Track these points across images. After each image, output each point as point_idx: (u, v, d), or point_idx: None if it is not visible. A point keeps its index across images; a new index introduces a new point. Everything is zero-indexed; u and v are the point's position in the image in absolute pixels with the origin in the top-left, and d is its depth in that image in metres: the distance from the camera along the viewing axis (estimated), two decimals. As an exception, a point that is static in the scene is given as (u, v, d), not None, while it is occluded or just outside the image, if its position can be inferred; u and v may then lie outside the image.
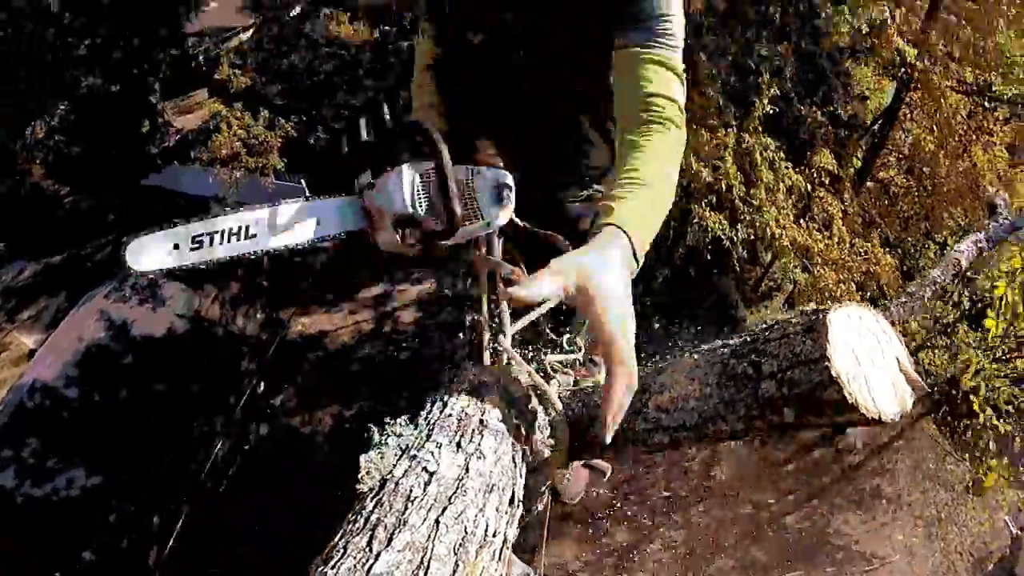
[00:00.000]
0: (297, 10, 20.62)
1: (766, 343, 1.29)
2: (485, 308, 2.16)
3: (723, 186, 10.60)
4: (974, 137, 13.13)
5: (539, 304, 2.00)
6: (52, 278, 19.56)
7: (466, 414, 1.49)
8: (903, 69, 13.29)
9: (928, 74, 12.18)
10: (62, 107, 18.20)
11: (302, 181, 23.31)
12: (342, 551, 1.03)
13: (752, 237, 11.20)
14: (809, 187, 11.90)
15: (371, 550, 1.01)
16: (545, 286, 1.29)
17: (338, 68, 22.99)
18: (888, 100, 15.26)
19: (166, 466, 15.64)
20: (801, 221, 12.18)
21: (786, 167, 10.56)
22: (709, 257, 14.19)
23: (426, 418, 1.52)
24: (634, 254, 1.41)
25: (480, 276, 2.14)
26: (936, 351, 16.05)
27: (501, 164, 2.01)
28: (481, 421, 1.47)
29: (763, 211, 10.15)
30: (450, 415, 1.48)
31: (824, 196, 12.53)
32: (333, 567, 0.99)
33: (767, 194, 10.26)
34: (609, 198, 1.52)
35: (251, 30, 23.04)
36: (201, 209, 18.30)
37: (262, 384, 19.56)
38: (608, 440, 1.40)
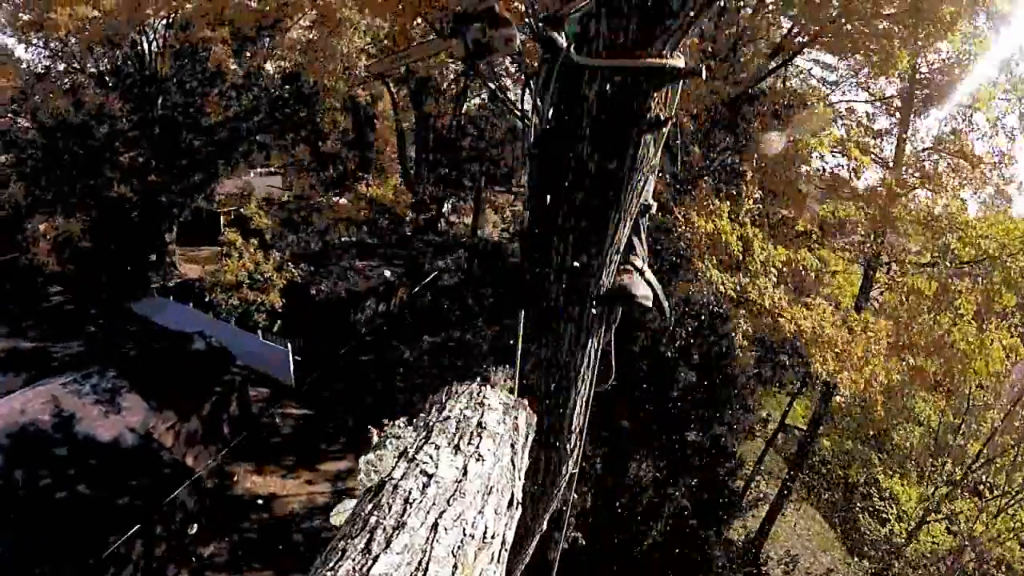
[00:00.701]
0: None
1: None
2: None
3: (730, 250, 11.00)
4: (942, 309, 14.26)
5: None
6: (16, 362, 18.38)
7: (464, 416, 1.53)
8: (869, 246, 15.05)
9: (893, 251, 13.80)
10: (89, 200, 19.05)
11: (288, 345, 23.47)
12: (340, 553, 1.01)
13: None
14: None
15: (370, 552, 1.00)
16: None
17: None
18: (859, 284, 16.78)
19: (62, 572, 12.90)
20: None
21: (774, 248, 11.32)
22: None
23: (424, 420, 1.54)
24: None
25: None
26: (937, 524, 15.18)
27: None
28: (479, 423, 1.49)
29: (758, 278, 10.55)
30: (448, 417, 1.51)
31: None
32: (332, 569, 0.97)
33: (761, 266, 10.78)
34: None
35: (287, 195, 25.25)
36: (180, 339, 18.26)
37: (195, 527, 17.11)
38: None
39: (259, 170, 28.72)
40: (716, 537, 13.68)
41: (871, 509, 17.68)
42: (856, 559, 17.00)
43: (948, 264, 14.44)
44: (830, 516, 20.24)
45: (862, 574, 16.49)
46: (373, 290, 25.73)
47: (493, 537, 1.13)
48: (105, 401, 16.81)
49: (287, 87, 22.72)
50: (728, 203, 10.55)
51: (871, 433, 18.65)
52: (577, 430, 3.16)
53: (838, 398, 18.75)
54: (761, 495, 20.68)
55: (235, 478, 20.16)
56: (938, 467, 16.45)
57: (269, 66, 22.93)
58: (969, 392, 15.98)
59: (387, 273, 24.83)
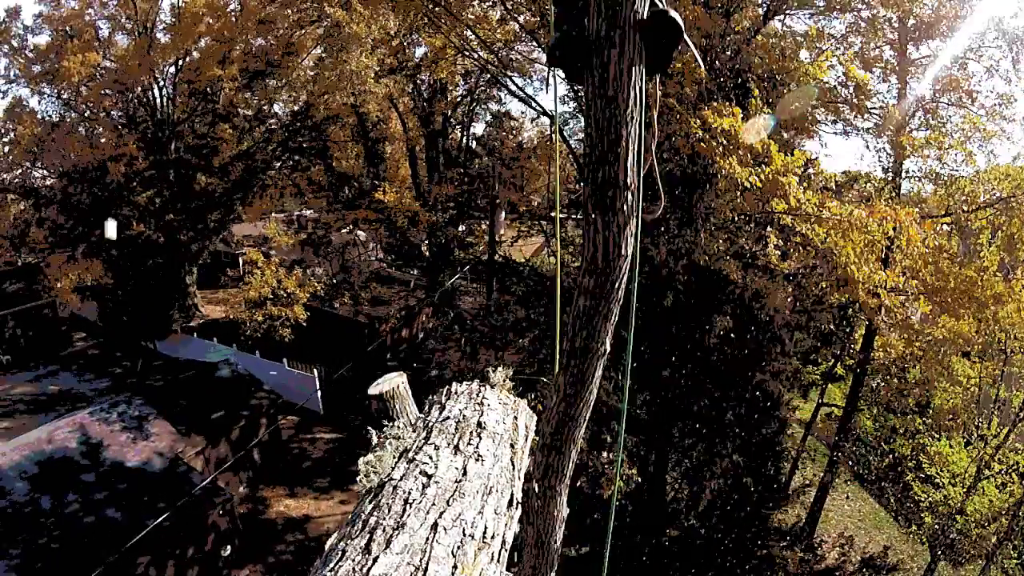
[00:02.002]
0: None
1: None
2: None
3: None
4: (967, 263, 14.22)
5: None
6: (44, 403, 18.38)
7: (464, 416, 1.53)
8: (885, 200, 15.14)
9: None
10: (108, 240, 19.29)
11: (315, 371, 23.46)
12: (340, 554, 1.00)
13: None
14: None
15: (370, 552, 0.99)
16: None
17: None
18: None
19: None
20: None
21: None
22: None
23: (424, 420, 1.55)
24: None
25: None
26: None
27: None
28: (479, 423, 1.50)
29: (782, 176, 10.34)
30: (448, 418, 1.51)
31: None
32: (332, 570, 0.97)
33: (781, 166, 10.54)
34: None
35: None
36: (204, 368, 18.32)
37: (228, 548, 16.61)
38: None
39: (273, 215, 29.32)
40: (769, 501, 13.18)
41: (922, 477, 17.16)
42: (914, 527, 16.34)
43: (964, 208, 14.45)
44: (879, 494, 19.57)
45: (922, 540, 15.82)
46: (395, 314, 25.87)
47: (493, 537, 1.13)
48: (133, 428, 16.73)
49: (298, 123, 23.43)
50: (741, 110, 10.54)
51: (911, 402, 18.25)
52: (633, 186, 3.14)
53: (875, 378, 18.39)
54: (807, 482, 20.11)
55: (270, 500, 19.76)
56: (984, 422, 16.02)
57: (278, 107, 23.74)
58: (1005, 341, 15.72)
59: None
